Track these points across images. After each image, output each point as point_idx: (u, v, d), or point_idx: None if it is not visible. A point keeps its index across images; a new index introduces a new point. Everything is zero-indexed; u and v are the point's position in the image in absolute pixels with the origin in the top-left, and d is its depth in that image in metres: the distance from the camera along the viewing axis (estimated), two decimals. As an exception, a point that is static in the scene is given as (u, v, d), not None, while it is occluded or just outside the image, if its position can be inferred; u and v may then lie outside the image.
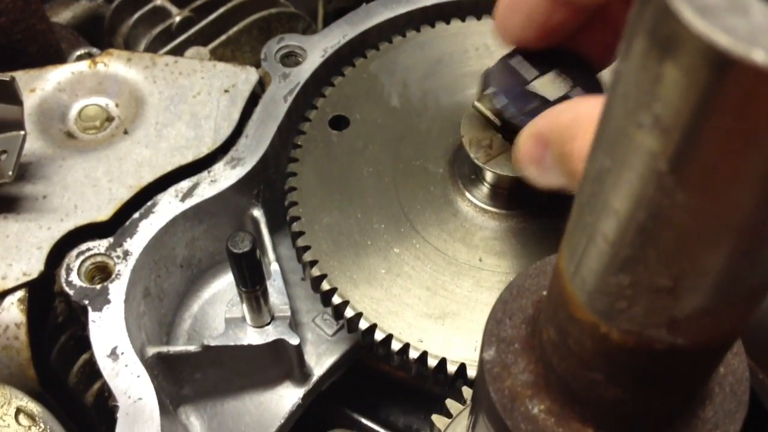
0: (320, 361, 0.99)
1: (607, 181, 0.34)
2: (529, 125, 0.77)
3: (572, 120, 0.69)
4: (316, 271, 0.91)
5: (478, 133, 0.88)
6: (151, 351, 0.90)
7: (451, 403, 0.81)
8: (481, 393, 0.52)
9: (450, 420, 0.79)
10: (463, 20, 1.10)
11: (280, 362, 0.94)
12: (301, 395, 0.97)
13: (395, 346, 0.87)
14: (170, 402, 0.94)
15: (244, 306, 0.89)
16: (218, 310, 1.03)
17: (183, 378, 0.94)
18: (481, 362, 0.51)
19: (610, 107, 0.32)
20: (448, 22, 1.11)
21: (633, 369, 0.41)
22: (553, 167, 0.74)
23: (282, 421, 0.96)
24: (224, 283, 1.05)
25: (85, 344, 0.92)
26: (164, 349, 0.91)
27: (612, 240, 0.35)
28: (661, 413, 0.45)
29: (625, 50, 0.29)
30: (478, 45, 1.08)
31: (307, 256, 0.92)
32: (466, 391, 0.81)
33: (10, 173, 0.86)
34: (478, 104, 0.87)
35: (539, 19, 0.82)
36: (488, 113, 0.86)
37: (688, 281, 0.34)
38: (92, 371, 0.92)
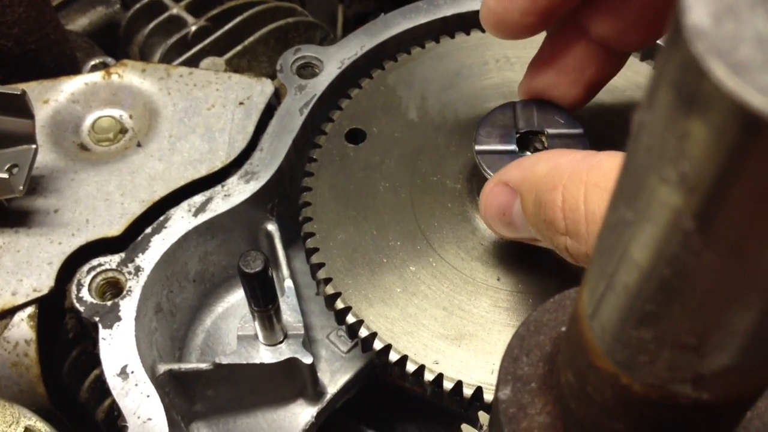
0: (334, 378, 0.97)
1: (628, 233, 0.32)
2: (497, 175, 0.79)
3: (551, 170, 0.69)
4: (330, 290, 0.89)
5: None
6: (163, 368, 0.88)
7: (466, 429, 0.79)
8: (496, 433, 0.50)
9: (465, 446, 0.77)
10: (484, 31, 1.08)
11: (293, 380, 0.93)
12: (315, 413, 0.95)
13: (410, 367, 0.85)
14: (182, 418, 0.93)
15: (257, 324, 0.87)
16: (231, 325, 1.02)
17: (195, 395, 0.93)
18: (497, 401, 0.49)
19: (634, 156, 0.30)
20: (468, 33, 1.08)
21: (655, 421, 0.39)
22: (519, 217, 0.75)
23: (295, 439, 0.95)
24: (237, 297, 1.03)
25: (96, 360, 0.91)
26: (176, 366, 0.89)
27: (633, 292, 0.33)
28: (684, 464, 0.43)
29: (648, 100, 0.27)
30: (499, 57, 1.06)
31: (321, 274, 0.90)
32: (482, 416, 0.79)
33: (21, 188, 0.85)
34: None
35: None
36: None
37: (714, 339, 0.32)
38: (103, 387, 0.91)
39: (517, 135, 0.88)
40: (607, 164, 0.66)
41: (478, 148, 0.87)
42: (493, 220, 0.80)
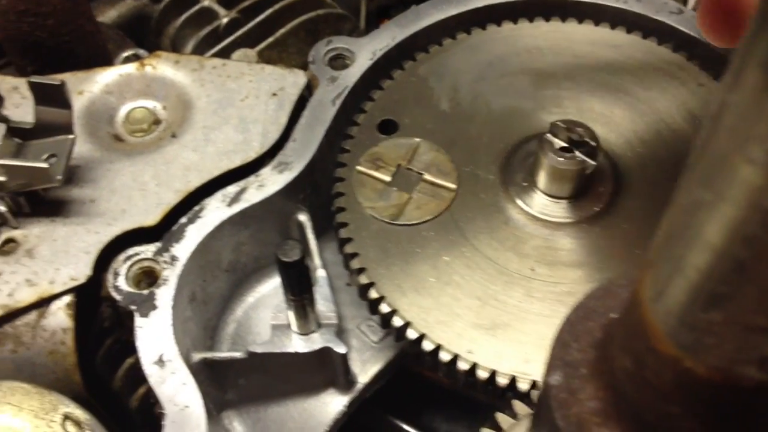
0: (365, 368, 0.97)
1: (703, 214, 0.32)
2: None
3: None
4: (363, 279, 0.89)
5: None
6: (197, 357, 0.89)
7: (501, 417, 0.79)
8: (545, 418, 0.50)
9: (501, 434, 0.78)
10: (515, 22, 1.08)
11: (325, 370, 0.93)
12: (346, 403, 0.96)
13: (444, 357, 0.85)
14: (214, 407, 0.93)
15: (291, 313, 0.88)
16: (262, 315, 1.02)
17: (227, 383, 0.94)
18: (547, 387, 0.50)
19: (714, 137, 0.30)
20: (499, 24, 1.09)
21: (715, 404, 0.39)
22: None
23: (326, 428, 0.95)
24: (268, 288, 1.04)
25: (130, 348, 0.91)
26: (210, 354, 0.90)
27: (705, 274, 0.33)
28: (741, 449, 0.43)
29: (733, 80, 0.27)
30: (530, 47, 1.06)
31: (355, 264, 0.91)
32: (518, 405, 0.80)
33: (59, 177, 0.85)
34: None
35: None
36: None
37: (786, 320, 0.32)
38: (137, 376, 0.92)
39: None
40: None
41: None
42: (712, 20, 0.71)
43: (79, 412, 0.79)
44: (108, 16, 1.29)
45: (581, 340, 0.51)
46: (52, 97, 0.86)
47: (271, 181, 0.95)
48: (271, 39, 1.17)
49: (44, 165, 0.83)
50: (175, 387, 0.81)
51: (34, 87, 0.86)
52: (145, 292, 0.87)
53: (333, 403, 0.96)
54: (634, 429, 0.46)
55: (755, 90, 0.26)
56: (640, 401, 0.44)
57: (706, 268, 0.33)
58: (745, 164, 0.28)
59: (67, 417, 0.79)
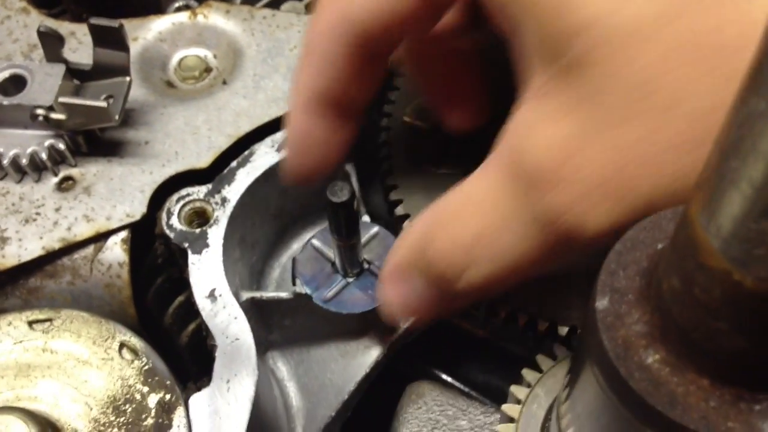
0: (405, 314, 1.00)
1: (758, 125, 0.34)
2: (382, 274, 0.81)
3: (421, 231, 0.74)
4: (408, 226, 0.92)
5: None
6: (245, 296, 0.92)
7: (542, 359, 0.81)
8: (591, 342, 0.53)
9: (541, 374, 0.80)
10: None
11: (367, 312, 0.96)
12: (387, 346, 0.98)
13: (484, 303, 0.87)
14: (258, 347, 0.97)
15: (337, 256, 0.90)
16: (306, 261, 1.05)
17: (273, 324, 0.97)
18: (594, 312, 0.52)
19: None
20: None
21: (761, 317, 0.42)
22: (423, 286, 0.76)
23: (368, 369, 0.97)
24: (311, 235, 1.06)
25: (180, 286, 0.95)
26: (257, 294, 0.93)
27: (759, 185, 0.35)
28: (783, 365, 0.45)
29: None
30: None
31: (399, 210, 0.93)
32: (559, 348, 0.82)
33: (117, 117, 0.88)
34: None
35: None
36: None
37: (835, 227, 0.34)
38: (187, 313, 0.95)
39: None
40: (450, 197, 0.73)
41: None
42: (404, 309, 0.82)
43: (135, 340, 0.83)
44: (158, -32, 1.32)
45: (628, 269, 0.53)
46: (111, 39, 0.89)
47: (318, 129, 0.98)
48: (318, -8, 1.19)
49: (103, 104, 0.86)
50: (226, 320, 0.85)
51: (94, 29, 0.88)
52: (197, 230, 0.90)
53: (374, 346, 0.99)
54: (680, 349, 0.48)
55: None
56: (688, 321, 0.46)
57: (759, 177, 0.35)
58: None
59: (123, 344, 0.82)
